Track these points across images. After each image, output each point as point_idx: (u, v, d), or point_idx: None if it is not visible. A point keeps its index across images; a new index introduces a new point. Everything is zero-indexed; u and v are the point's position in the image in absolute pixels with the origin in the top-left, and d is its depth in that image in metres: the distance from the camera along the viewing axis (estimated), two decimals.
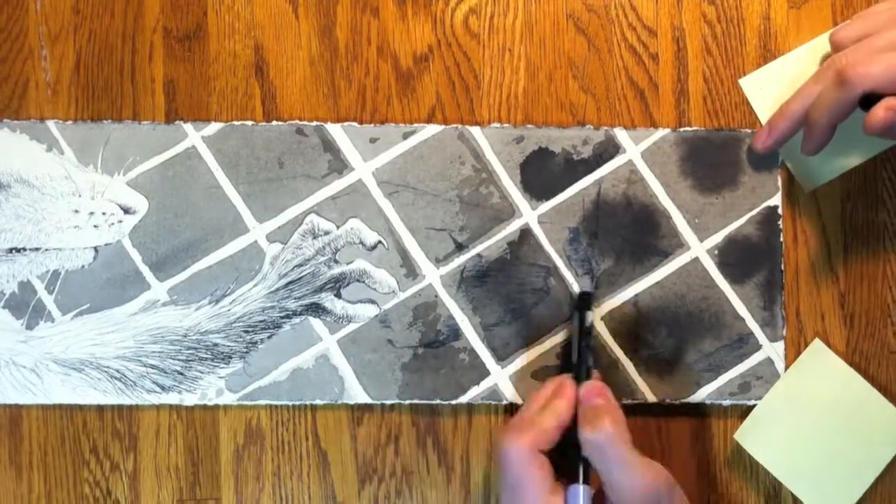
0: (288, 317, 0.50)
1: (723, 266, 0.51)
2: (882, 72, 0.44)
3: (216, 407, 0.50)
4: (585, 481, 0.44)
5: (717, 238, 0.52)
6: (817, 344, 0.51)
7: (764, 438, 0.51)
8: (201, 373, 0.50)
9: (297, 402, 0.50)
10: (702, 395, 0.51)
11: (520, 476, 0.43)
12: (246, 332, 0.50)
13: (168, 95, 0.51)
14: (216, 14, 0.52)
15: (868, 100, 0.45)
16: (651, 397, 0.51)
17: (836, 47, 0.48)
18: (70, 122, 0.50)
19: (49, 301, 0.50)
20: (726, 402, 0.51)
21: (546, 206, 0.51)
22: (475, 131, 0.51)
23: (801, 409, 0.51)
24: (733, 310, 0.51)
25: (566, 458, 0.44)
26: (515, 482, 0.43)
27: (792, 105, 0.48)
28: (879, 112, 0.44)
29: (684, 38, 0.53)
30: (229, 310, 0.50)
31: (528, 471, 0.43)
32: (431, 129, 0.51)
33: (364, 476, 0.51)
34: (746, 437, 0.51)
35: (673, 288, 0.51)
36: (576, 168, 0.51)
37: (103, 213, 0.50)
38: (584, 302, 0.50)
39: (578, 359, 0.48)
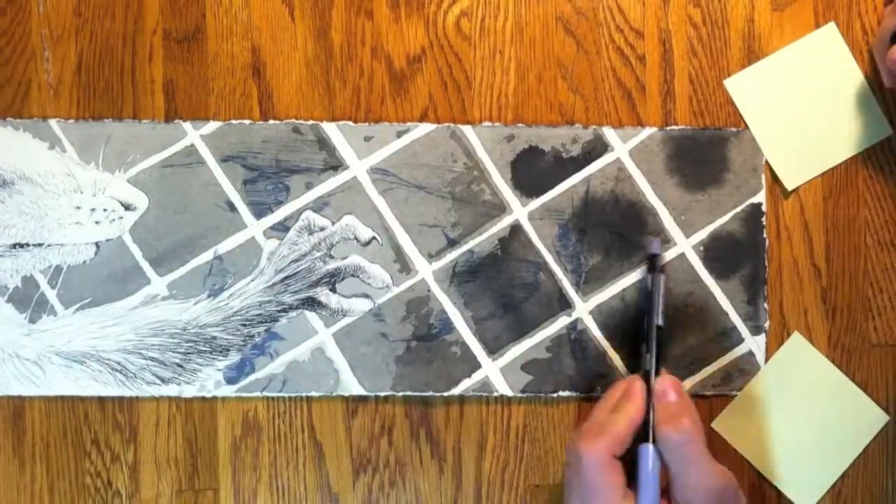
0: (284, 311, 0.51)
1: (708, 262, 0.53)
2: None
3: (214, 399, 0.51)
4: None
5: (703, 234, 0.53)
6: (796, 337, 0.53)
7: (741, 427, 0.52)
8: (200, 365, 0.51)
9: (294, 394, 0.51)
10: (685, 386, 0.52)
11: (595, 482, 0.43)
12: (243, 325, 0.51)
13: (167, 95, 0.52)
14: (214, 16, 0.53)
15: None
16: None
17: None
18: (72, 121, 0.51)
19: (51, 295, 0.50)
20: (708, 394, 0.52)
21: (536, 202, 0.52)
22: (467, 130, 0.52)
23: (778, 400, 0.52)
24: (718, 304, 0.52)
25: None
26: (589, 487, 0.44)
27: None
28: None
29: (670, 39, 0.54)
30: (227, 304, 0.51)
31: (604, 476, 0.43)
32: (424, 128, 0.52)
33: (358, 467, 0.52)
34: (724, 425, 0.52)
35: None
36: (565, 166, 0.53)
37: (104, 210, 0.50)
38: (655, 264, 0.51)
39: (649, 346, 0.48)
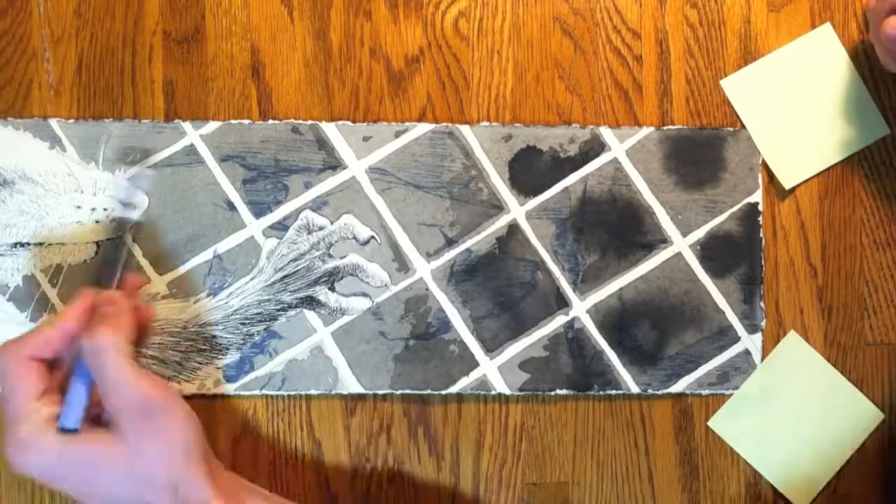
0: (283, 309, 0.51)
1: (704, 261, 0.53)
2: None
3: (214, 397, 0.52)
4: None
5: (700, 234, 0.53)
6: (792, 336, 0.53)
7: (738, 425, 0.52)
8: (200, 364, 0.51)
9: (293, 393, 0.51)
10: (682, 385, 0.52)
11: (5, 382, 0.41)
12: (243, 324, 0.51)
13: (167, 96, 0.52)
14: (214, 17, 0.53)
15: None
16: (634, 388, 0.52)
17: None
18: (72, 121, 0.51)
19: (52, 294, 0.50)
20: (705, 392, 0.53)
21: (534, 202, 0.53)
22: (465, 130, 0.53)
23: (774, 398, 0.52)
24: (714, 303, 0.53)
25: None
26: (4, 388, 0.41)
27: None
28: (893, 21, 0.47)
29: (667, 40, 0.54)
30: (227, 302, 0.51)
31: (11, 377, 0.41)
32: (422, 128, 0.52)
33: (357, 464, 0.52)
34: (721, 424, 0.52)
35: (656, 282, 0.53)
36: (562, 165, 0.53)
37: (104, 209, 0.51)
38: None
39: (105, 258, 0.47)
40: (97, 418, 0.43)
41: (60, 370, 0.43)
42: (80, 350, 0.42)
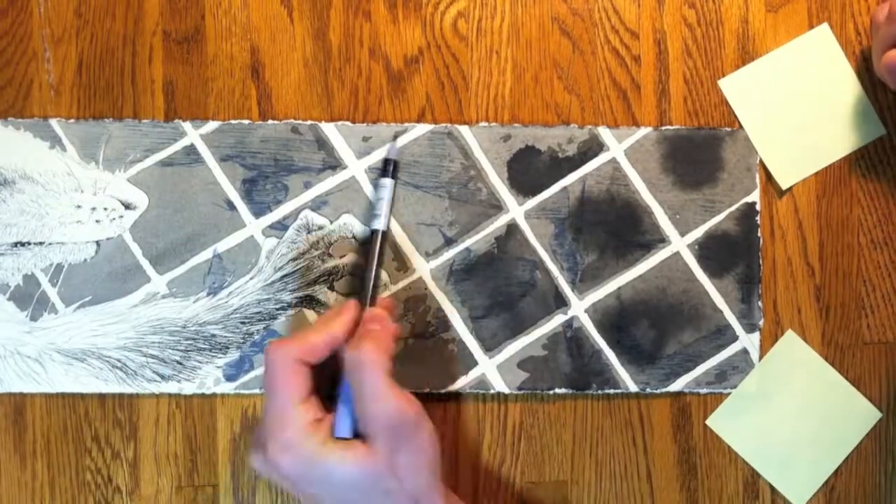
0: (283, 308, 0.52)
1: (702, 260, 0.53)
2: None
3: (214, 396, 0.52)
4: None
5: (698, 233, 0.53)
6: (790, 335, 0.53)
7: (736, 424, 0.53)
8: (200, 362, 0.51)
9: None
10: (680, 384, 0.52)
11: (270, 383, 0.43)
12: (243, 323, 0.51)
13: (167, 96, 0.53)
14: (214, 17, 0.53)
15: None
16: (632, 386, 0.52)
17: None
18: (72, 121, 0.51)
19: (52, 293, 0.51)
20: (703, 391, 0.53)
21: (532, 202, 0.53)
22: (464, 130, 0.53)
23: (772, 397, 0.53)
24: (712, 302, 0.53)
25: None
26: (267, 388, 0.43)
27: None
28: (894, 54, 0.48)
29: (665, 40, 0.55)
30: (227, 302, 0.51)
31: (280, 379, 0.43)
32: (422, 128, 0.53)
33: None
34: (719, 423, 0.53)
35: (654, 281, 0.53)
36: (561, 165, 0.53)
37: (105, 209, 0.51)
38: (387, 169, 0.51)
39: (370, 255, 0.48)
40: None
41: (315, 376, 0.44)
42: (344, 361, 0.43)
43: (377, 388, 0.42)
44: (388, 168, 0.51)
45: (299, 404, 0.42)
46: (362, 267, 0.50)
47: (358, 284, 0.51)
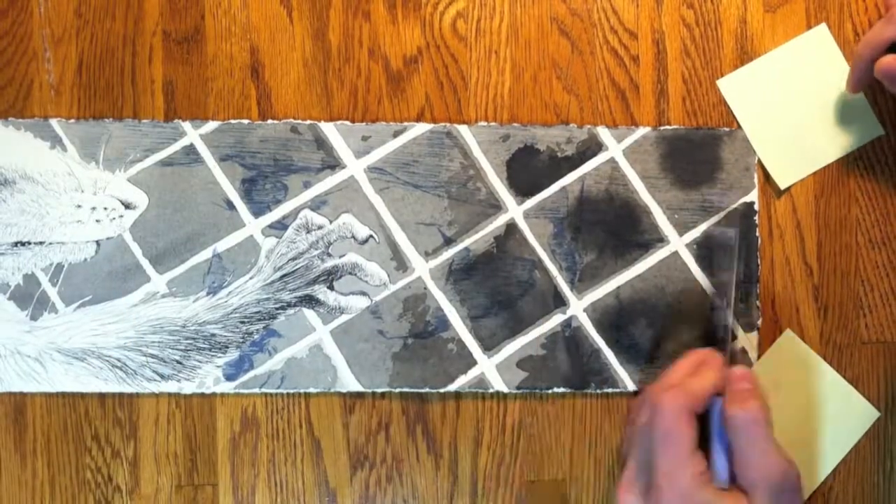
0: (283, 308, 0.52)
1: (701, 260, 0.53)
2: None
3: (213, 395, 0.52)
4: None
5: (696, 233, 0.53)
6: (788, 335, 0.53)
7: None
8: (199, 362, 0.51)
9: (292, 391, 0.52)
10: None
11: (671, 430, 0.44)
12: (242, 322, 0.51)
13: (167, 96, 0.53)
14: (213, 17, 0.53)
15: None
16: (631, 386, 0.52)
17: None
18: (73, 121, 0.52)
19: (53, 293, 0.51)
20: None
21: (531, 201, 0.53)
22: (463, 130, 0.53)
23: (770, 396, 0.53)
24: (711, 302, 0.53)
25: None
26: (665, 435, 0.44)
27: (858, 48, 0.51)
28: (888, 59, 0.48)
29: (664, 40, 0.55)
30: (226, 301, 0.51)
31: (681, 426, 0.44)
32: (421, 128, 0.53)
33: (356, 462, 0.52)
34: None
35: (653, 281, 0.53)
36: (560, 165, 0.53)
37: (105, 209, 0.51)
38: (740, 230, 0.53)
39: (726, 329, 0.50)
40: None
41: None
42: (725, 416, 0.45)
43: (766, 447, 0.44)
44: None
45: (692, 453, 0.44)
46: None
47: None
